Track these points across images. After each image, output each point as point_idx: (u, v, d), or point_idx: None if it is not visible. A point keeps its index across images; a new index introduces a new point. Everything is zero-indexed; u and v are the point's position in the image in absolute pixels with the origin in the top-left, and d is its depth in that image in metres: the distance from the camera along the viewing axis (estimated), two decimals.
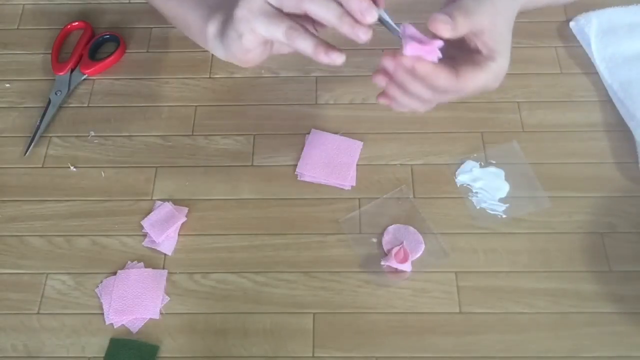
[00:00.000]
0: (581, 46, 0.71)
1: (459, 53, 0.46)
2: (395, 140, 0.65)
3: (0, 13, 0.76)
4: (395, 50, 0.44)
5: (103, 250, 0.60)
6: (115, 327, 0.56)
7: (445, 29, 0.42)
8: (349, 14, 0.41)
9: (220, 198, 0.63)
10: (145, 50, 0.73)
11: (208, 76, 0.71)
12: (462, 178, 0.63)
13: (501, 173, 0.63)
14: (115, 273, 0.58)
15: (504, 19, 0.46)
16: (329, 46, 0.43)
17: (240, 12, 0.44)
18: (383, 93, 0.50)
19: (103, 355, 0.55)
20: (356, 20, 0.41)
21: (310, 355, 0.55)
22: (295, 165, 0.64)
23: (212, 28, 0.50)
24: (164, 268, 0.59)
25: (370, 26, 0.42)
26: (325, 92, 0.69)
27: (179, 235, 0.60)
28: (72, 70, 0.71)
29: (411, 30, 0.43)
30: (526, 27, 0.71)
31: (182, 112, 0.68)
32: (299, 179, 0.63)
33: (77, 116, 0.68)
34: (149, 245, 0.60)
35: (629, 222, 0.60)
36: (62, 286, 0.58)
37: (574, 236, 0.60)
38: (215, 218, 0.62)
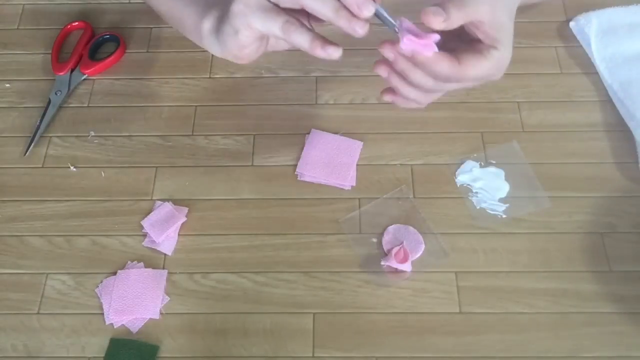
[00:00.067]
0: (581, 46, 0.71)
1: (461, 45, 0.46)
2: (395, 140, 0.65)
3: (0, 13, 0.76)
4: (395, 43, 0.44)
5: (103, 250, 0.60)
6: (115, 327, 0.56)
7: (437, 20, 0.42)
8: (345, 8, 0.41)
9: (220, 198, 0.63)
10: (145, 50, 0.73)
11: (208, 76, 0.71)
12: (462, 178, 0.63)
13: (501, 173, 0.63)
14: (115, 273, 0.58)
15: (504, 8, 0.46)
16: (326, 40, 0.43)
17: (237, 7, 0.44)
18: (386, 89, 0.50)
19: (103, 355, 0.55)
20: (353, 14, 0.41)
21: (310, 355, 0.55)
22: (295, 165, 0.64)
23: (208, 24, 0.50)
24: (164, 268, 0.59)
25: (366, 20, 0.42)
26: (325, 92, 0.69)
27: (179, 235, 0.60)
28: (72, 70, 0.71)
29: (407, 24, 0.43)
30: (526, 27, 0.71)
31: (182, 112, 0.68)
32: (299, 179, 0.63)
33: (77, 116, 0.68)
34: (149, 245, 0.60)
35: (629, 222, 0.60)
36: (62, 286, 0.58)
37: (574, 236, 0.60)
38: (215, 218, 0.62)
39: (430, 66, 0.44)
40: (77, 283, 0.58)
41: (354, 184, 0.63)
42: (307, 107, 0.68)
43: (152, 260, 0.59)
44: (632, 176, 0.63)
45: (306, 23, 0.45)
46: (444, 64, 0.44)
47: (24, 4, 0.77)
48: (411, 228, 0.60)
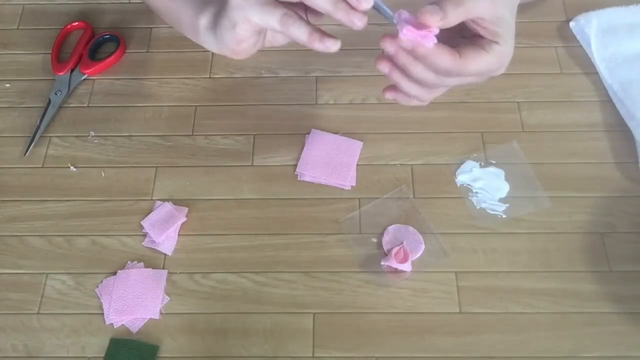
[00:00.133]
0: (581, 46, 0.71)
1: (463, 41, 0.46)
2: (395, 140, 0.65)
3: (0, 13, 0.76)
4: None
5: (103, 250, 0.60)
6: (115, 327, 0.56)
7: (434, 19, 0.42)
8: (343, 0, 0.41)
9: (220, 198, 0.63)
10: (145, 50, 0.73)
11: (208, 76, 0.71)
12: (462, 178, 0.63)
13: (501, 173, 0.63)
14: (115, 273, 0.58)
15: (505, 3, 0.45)
16: (324, 33, 0.43)
17: (235, 1, 0.44)
18: (388, 87, 0.50)
19: (103, 355, 0.55)
20: (351, 7, 0.41)
21: (310, 355, 0.55)
22: (295, 165, 0.64)
23: (204, 20, 0.50)
24: (164, 268, 0.59)
25: (365, 13, 0.41)
26: (325, 92, 0.69)
27: (179, 235, 0.60)
28: (72, 70, 0.71)
29: (406, 15, 0.43)
30: (526, 27, 0.71)
31: (182, 112, 0.68)
32: (299, 179, 0.63)
33: (77, 116, 0.68)
34: (149, 245, 0.60)
35: (629, 222, 0.60)
36: (62, 286, 0.58)
37: (574, 236, 0.60)
38: (215, 218, 0.62)
39: (431, 59, 0.44)
40: (77, 283, 0.58)
41: (354, 184, 0.63)
42: (307, 107, 0.68)
43: (152, 260, 0.59)
44: (632, 176, 0.63)
45: (304, 16, 0.45)
46: (445, 57, 0.44)
47: (24, 4, 0.77)
48: (411, 228, 0.60)
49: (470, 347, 0.55)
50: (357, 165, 0.64)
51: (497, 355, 0.54)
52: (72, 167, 0.65)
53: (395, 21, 0.43)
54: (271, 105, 0.68)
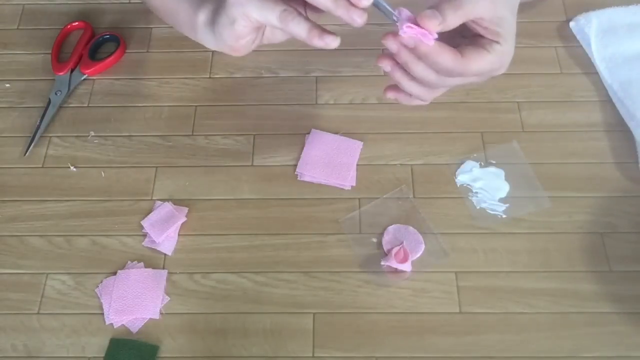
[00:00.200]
0: (581, 46, 0.71)
1: (464, 41, 0.46)
2: (395, 140, 0.65)
3: (0, 13, 0.76)
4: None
5: (103, 250, 0.60)
6: (115, 327, 0.56)
7: (433, 24, 0.42)
8: None
9: (220, 198, 0.63)
10: (145, 50, 0.73)
11: (208, 76, 0.71)
12: (462, 178, 0.63)
13: (501, 173, 0.63)
14: (115, 273, 0.58)
15: (505, 2, 0.45)
16: (323, 30, 0.43)
17: None
18: (389, 87, 0.50)
19: (103, 355, 0.55)
20: (351, 3, 0.41)
21: (310, 355, 0.55)
22: (295, 165, 0.64)
23: (203, 16, 0.50)
24: (164, 268, 0.59)
25: (365, 10, 0.41)
26: (325, 92, 0.69)
27: (179, 235, 0.60)
28: (72, 70, 0.71)
29: (406, 13, 0.43)
30: (526, 27, 0.71)
31: (182, 112, 0.68)
32: (299, 179, 0.63)
33: (77, 116, 0.68)
34: (149, 245, 0.60)
35: (629, 222, 0.60)
36: (62, 286, 0.58)
37: (574, 236, 0.60)
38: (215, 218, 0.62)
39: (433, 57, 0.44)
40: (77, 283, 0.58)
41: (354, 184, 0.63)
42: (307, 107, 0.68)
43: (152, 260, 0.59)
44: (632, 176, 0.63)
45: (303, 13, 0.45)
46: (446, 56, 0.44)
47: (24, 4, 0.77)
48: (411, 228, 0.60)
49: (470, 347, 0.55)
50: (357, 165, 0.64)
51: (497, 355, 0.54)
52: (72, 167, 0.65)
53: (395, 18, 0.43)
54: (271, 105, 0.68)
